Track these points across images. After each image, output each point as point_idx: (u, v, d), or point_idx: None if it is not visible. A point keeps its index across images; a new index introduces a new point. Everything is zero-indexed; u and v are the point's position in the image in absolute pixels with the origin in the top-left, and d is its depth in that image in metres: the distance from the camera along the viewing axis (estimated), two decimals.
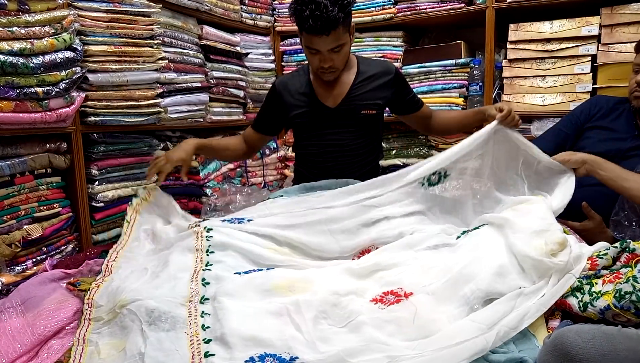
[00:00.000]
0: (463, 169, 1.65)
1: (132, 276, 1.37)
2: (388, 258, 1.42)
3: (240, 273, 1.35)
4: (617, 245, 1.22)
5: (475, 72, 2.47)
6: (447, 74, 2.54)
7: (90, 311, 1.27)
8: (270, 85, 2.93)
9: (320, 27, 1.61)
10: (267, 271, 1.35)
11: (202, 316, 1.18)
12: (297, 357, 1.03)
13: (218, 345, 1.09)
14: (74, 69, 1.63)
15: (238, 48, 2.58)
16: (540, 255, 1.22)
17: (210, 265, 1.37)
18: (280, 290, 1.27)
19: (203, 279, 1.31)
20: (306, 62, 2.80)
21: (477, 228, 1.46)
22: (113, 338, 1.18)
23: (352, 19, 1.80)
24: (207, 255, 1.41)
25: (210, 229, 1.49)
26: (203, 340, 1.11)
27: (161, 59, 2.00)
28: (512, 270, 1.25)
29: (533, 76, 2.35)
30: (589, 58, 2.23)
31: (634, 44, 1.71)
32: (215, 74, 2.38)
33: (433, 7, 2.52)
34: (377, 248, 1.52)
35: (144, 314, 1.17)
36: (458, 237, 1.47)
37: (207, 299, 1.24)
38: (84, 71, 1.69)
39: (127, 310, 1.20)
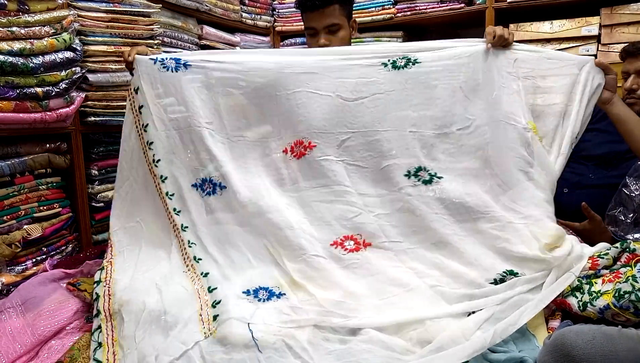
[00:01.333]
0: (438, 62, 1.48)
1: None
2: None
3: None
4: (617, 245, 1.23)
5: None
6: None
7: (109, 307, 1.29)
8: None
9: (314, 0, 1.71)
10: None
11: (190, 247, 1.41)
12: (284, 293, 1.28)
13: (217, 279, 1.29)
14: (73, 69, 1.63)
15: (238, 48, 2.58)
16: (535, 250, 1.24)
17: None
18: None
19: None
20: None
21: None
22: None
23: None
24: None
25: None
26: (201, 274, 1.32)
27: None
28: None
29: None
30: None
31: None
32: None
33: (433, 7, 2.52)
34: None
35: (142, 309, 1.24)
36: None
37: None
38: (83, 71, 1.69)
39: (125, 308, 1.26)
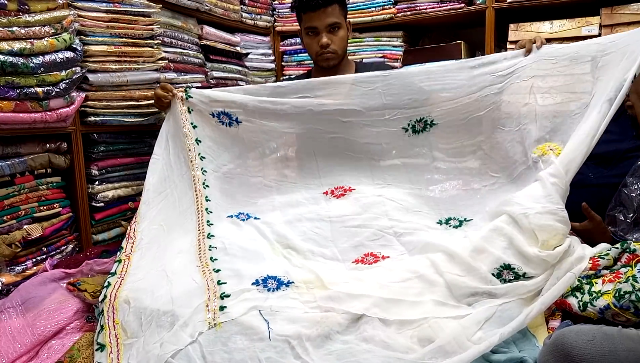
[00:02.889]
0: (452, 120, 1.63)
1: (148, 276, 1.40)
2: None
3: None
4: (618, 245, 1.23)
5: None
6: None
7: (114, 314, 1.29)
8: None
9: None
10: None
11: (210, 250, 1.44)
12: (292, 282, 1.30)
13: (228, 275, 1.32)
14: (74, 69, 1.63)
15: (238, 48, 2.58)
16: (534, 247, 1.25)
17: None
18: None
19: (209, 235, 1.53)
20: (306, 61, 2.82)
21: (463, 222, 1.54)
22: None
23: (352, 19, 1.86)
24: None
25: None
26: (213, 269, 1.34)
27: (161, 59, 1.99)
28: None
29: None
30: None
31: None
32: (215, 74, 2.38)
33: (433, 7, 2.52)
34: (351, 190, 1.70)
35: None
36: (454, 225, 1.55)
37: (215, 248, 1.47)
38: (84, 71, 1.69)
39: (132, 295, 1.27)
